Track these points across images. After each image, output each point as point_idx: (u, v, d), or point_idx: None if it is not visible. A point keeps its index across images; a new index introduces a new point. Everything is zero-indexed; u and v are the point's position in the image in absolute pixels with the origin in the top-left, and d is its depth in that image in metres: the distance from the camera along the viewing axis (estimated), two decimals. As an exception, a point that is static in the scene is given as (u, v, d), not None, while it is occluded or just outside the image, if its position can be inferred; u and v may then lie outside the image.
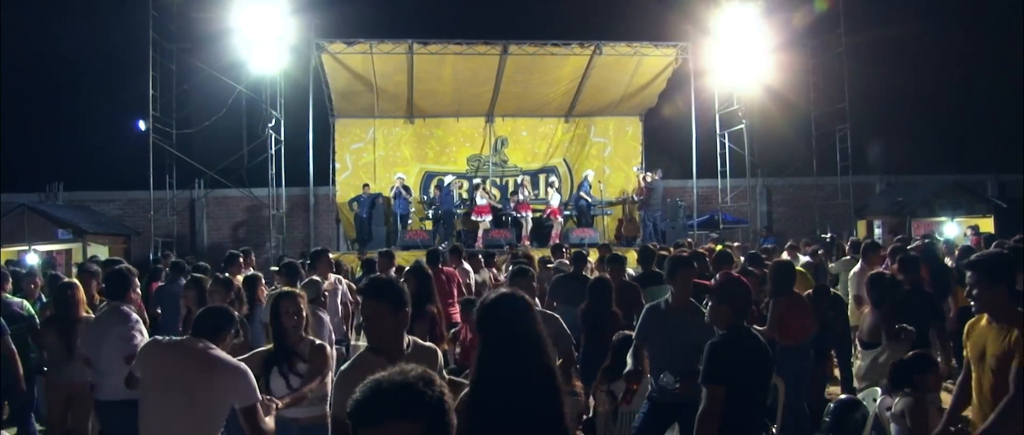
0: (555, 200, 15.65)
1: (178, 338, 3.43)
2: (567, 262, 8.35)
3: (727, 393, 3.16)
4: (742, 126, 16.22)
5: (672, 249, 10.00)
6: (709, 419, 3.17)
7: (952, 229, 14.67)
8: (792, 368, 5.22)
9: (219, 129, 15.57)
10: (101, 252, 12.68)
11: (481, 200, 15.35)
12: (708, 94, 16.40)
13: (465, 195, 16.73)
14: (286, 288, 4.08)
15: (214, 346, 3.26)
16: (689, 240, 13.32)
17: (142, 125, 14.85)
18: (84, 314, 5.24)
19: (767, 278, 5.64)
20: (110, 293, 4.60)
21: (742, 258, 10.34)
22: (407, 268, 5.56)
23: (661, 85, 16.90)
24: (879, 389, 5.20)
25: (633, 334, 4.54)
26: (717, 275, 3.54)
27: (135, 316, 4.55)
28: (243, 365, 3.27)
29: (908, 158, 19.08)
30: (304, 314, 3.93)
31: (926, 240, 9.28)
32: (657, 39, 15.72)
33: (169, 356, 3.25)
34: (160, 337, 3.53)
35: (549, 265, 8.86)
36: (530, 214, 15.41)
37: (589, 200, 16.22)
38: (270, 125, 14.72)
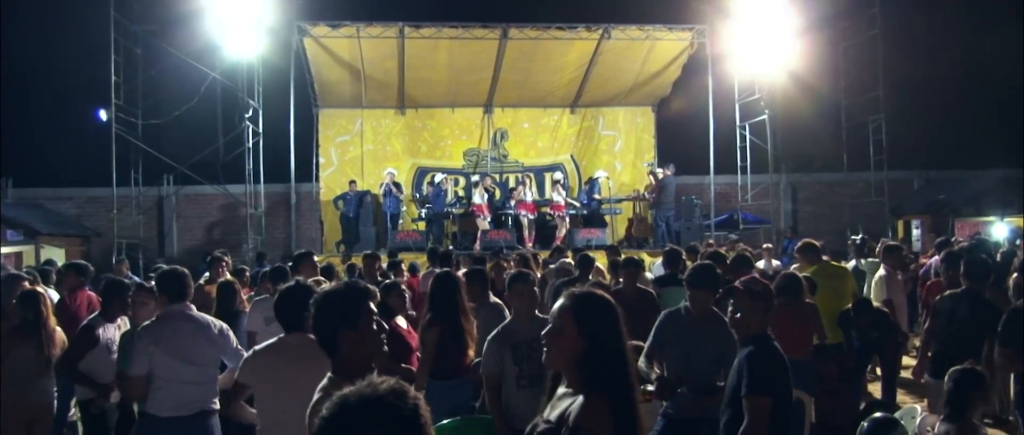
0: (559, 197, 15.59)
1: (274, 341, 3.51)
2: (570, 261, 8.40)
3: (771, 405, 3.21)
4: (764, 117, 16.14)
5: (685, 252, 9.61)
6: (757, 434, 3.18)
7: (1001, 230, 14.51)
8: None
9: (190, 120, 15.51)
10: (56, 255, 12.62)
11: (478, 198, 15.34)
12: (727, 82, 16.30)
13: (461, 193, 16.72)
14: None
15: (309, 334, 3.30)
16: (710, 241, 13.20)
17: (103, 115, 14.92)
18: (56, 325, 5.17)
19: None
20: (174, 293, 4.40)
21: (774, 262, 10.28)
22: (434, 275, 5.57)
23: (676, 72, 16.89)
24: (919, 408, 5.12)
25: (643, 344, 4.50)
26: (741, 278, 3.55)
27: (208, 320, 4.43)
28: None
29: (950, 151, 18.96)
30: None
31: (977, 237, 9.15)
32: (671, 22, 15.69)
33: (275, 359, 3.38)
34: (259, 347, 3.62)
35: (551, 266, 8.85)
36: (531, 214, 15.37)
37: (598, 199, 16.20)
38: (247, 116, 14.75)
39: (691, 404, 4.06)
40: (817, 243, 7.63)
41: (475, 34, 15.02)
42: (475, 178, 16.23)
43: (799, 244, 7.66)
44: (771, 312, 3.41)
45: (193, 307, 4.44)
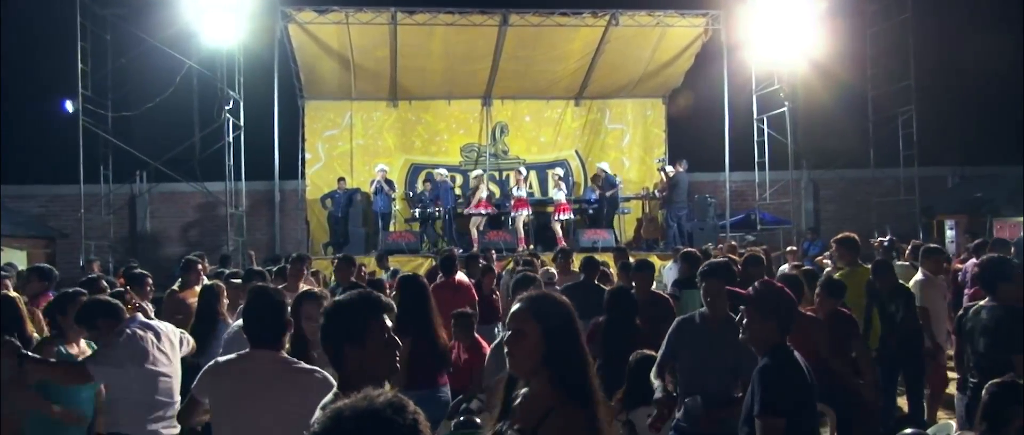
0: (559, 194, 15.50)
1: (239, 355, 3.36)
2: (553, 270, 8.52)
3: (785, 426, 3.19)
4: (784, 109, 16.02)
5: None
6: None
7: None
8: None
9: (165, 112, 15.31)
10: (17, 259, 12.49)
11: (476, 198, 15.38)
12: (744, 71, 16.17)
13: (458, 191, 16.74)
14: (308, 289, 4.27)
15: (281, 353, 3.27)
16: (732, 242, 13.11)
17: (70, 106, 14.76)
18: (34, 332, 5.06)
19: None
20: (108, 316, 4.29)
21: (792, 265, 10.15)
22: (399, 277, 5.67)
23: (688, 61, 16.82)
24: (953, 424, 5.03)
25: (656, 353, 4.56)
26: (754, 284, 3.55)
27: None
28: (319, 372, 3.21)
29: (987, 145, 18.80)
30: None
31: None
32: (683, 7, 15.57)
33: (236, 378, 3.24)
34: (221, 359, 3.50)
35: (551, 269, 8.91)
36: (525, 212, 15.20)
37: (608, 196, 16.10)
38: (227, 108, 14.59)
39: (706, 417, 4.07)
40: (857, 238, 7.43)
41: (473, 20, 14.88)
42: (477, 172, 16.16)
43: (839, 235, 7.44)
44: (789, 322, 3.34)
45: (140, 316, 4.39)
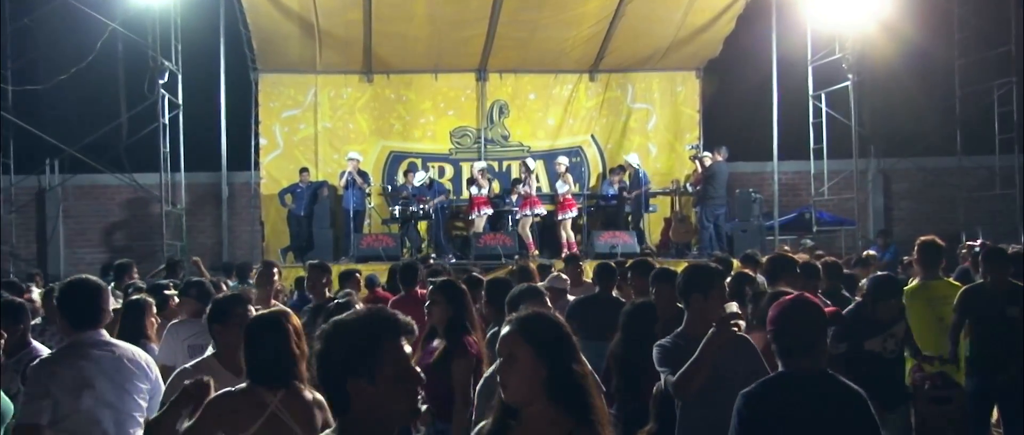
0: (563, 188, 15.29)
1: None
2: (565, 276, 8.51)
3: None
4: (847, 83, 15.54)
5: (740, 262, 9.78)
6: None
7: None
8: None
9: (83, 86, 15.19)
10: None
11: (477, 191, 15.38)
12: (798, 37, 15.99)
13: (449, 185, 16.93)
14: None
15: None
16: (786, 247, 12.88)
17: (-44, 79, 14.80)
18: None
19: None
20: (81, 317, 4.40)
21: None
22: (432, 286, 5.83)
23: (728, 25, 16.38)
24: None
25: None
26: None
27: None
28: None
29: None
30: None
31: None
32: (722, -41, 15.59)
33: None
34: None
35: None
36: (534, 211, 15.26)
37: (627, 194, 16.00)
38: (161, 82, 14.37)
39: None
40: (941, 244, 7.16)
41: (465, -24, 14.69)
42: (482, 166, 16.01)
43: (922, 240, 7.20)
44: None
45: (106, 333, 4.46)
